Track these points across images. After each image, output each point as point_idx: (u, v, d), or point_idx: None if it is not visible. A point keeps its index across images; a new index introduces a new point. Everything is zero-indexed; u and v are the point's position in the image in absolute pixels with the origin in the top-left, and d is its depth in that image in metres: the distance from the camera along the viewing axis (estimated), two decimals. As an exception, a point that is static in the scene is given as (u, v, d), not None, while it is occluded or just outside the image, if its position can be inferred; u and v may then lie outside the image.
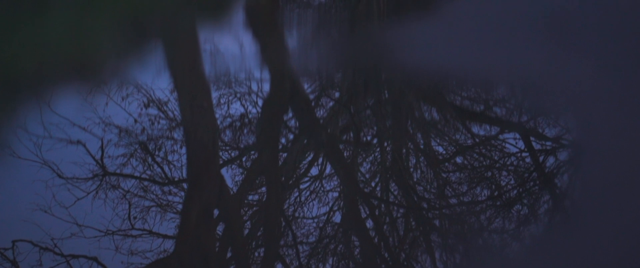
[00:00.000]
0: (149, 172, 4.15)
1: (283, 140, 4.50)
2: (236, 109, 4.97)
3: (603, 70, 5.25)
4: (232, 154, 4.35)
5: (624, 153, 4.00)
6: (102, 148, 4.38)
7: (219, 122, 4.78)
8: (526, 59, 5.60)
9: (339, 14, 7.40)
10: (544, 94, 4.96)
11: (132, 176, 4.11)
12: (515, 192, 3.85)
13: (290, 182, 4.09)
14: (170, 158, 4.30)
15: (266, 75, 5.63)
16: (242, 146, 4.42)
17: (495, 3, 7.32)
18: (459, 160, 4.19)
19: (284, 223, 3.81)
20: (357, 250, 3.64)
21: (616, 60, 5.43)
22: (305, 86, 5.37)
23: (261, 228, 3.80)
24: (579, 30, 6.19)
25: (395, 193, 3.98)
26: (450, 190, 3.93)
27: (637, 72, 5.16)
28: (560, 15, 6.66)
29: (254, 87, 5.33)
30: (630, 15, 6.52)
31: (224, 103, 5.07)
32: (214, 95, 5.22)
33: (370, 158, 4.26)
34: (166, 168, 4.19)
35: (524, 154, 4.21)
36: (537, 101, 4.86)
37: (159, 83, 5.42)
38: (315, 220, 3.79)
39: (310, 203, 3.91)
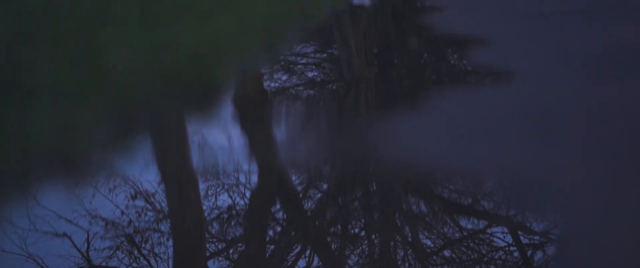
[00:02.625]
0: (135, 265, 4.11)
1: (271, 233, 4.48)
2: (224, 200, 4.96)
3: (591, 165, 5.27)
4: (219, 246, 4.32)
5: (613, 247, 3.99)
6: (87, 241, 4.35)
7: (206, 213, 4.76)
8: (514, 152, 5.63)
9: (327, 106, 7.45)
10: (532, 187, 4.97)
11: (117, 269, 4.08)
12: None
13: (278, 275, 4.06)
14: (156, 250, 4.26)
15: (254, 167, 5.64)
16: (229, 238, 4.39)
17: (483, 96, 7.39)
18: (446, 253, 4.17)
19: (270, 318, 3.77)
20: None
21: (604, 154, 5.47)
22: (293, 178, 5.37)
23: (248, 323, 3.76)
24: (567, 125, 6.24)
25: (384, 286, 3.95)
26: (438, 283, 3.90)
27: (625, 167, 5.19)
28: (548, 109, 6.72)
29: (242, 179, 5.33)
30: (618, 111, 6.58)
31: (212, 195, 5.06)
32: (202, 186, 5.21)
33: (358, 250, 4.24)
34: (152, 261, 4.16)
35: (512, 248, 4.20)
36: (525, 195, 4.86)
37: (147, 175, 5.41)
38: (303, 315, 3.76)
39: (298, 297, 3.88)
